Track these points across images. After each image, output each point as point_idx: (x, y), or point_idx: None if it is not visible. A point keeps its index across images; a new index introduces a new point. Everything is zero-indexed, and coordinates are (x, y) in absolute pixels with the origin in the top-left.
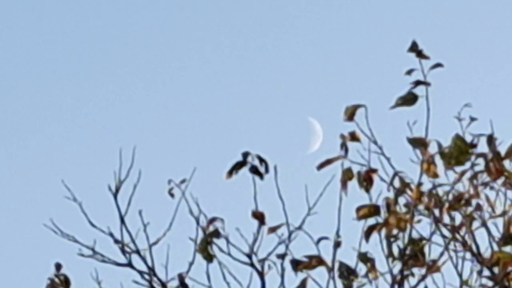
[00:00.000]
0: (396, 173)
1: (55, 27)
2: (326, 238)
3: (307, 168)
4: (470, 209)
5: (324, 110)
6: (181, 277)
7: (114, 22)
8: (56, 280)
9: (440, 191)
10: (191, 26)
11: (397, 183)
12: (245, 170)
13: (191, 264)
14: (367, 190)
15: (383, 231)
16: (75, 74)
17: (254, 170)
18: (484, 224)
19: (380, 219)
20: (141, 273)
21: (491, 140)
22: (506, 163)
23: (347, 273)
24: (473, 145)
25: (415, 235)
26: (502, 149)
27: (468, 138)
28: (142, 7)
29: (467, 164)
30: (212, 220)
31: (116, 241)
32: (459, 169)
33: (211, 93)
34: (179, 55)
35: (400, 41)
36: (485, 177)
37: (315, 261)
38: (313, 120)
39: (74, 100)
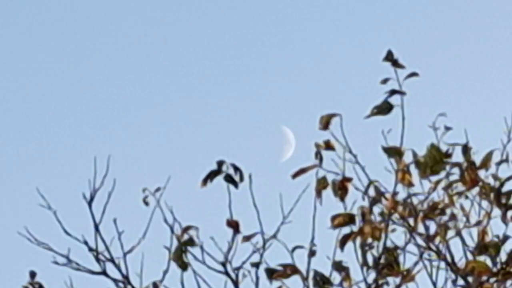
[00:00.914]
0: (371, 182)
1: (30, 37)
2: (300, 247)
3: (280, 177)
4: (444, 218)
5: (297, 118)
6: (155, 286)
7: (88, 35)
8: None
9: (415, 200)
10: (164, 36)
11: (372, 192)
12: (219, 179)
13: (165, 272)
14: (342, 199)
15: (358, 240)
16: (50, 82)
17: (229, 179)
18: (458, 234)
19: (355, 228)
20: (115, 281)
21: (466, 149)
22: (481, 172)
23: (322, 281)
24: (448, 155)
25: (389, 244)
26: (477, 159)
27: (443, 148)
28: (115, 23)
29: (442, 173)
30: (186, 229)
31: (90, 249)
32: (434, 178)
33: (185, 102)
34: (153, 65)
35: (375, 50)
36: (460, 187)
37: (290, 269)
38: (286, 129)
39: (49, 108)
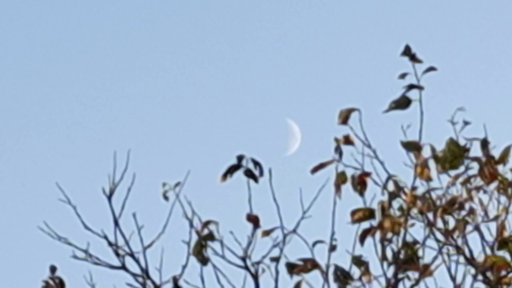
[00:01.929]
0: (389, 177)
1: (48, 32)
2: (320, 241)
3: (287, 170)
4: (463, 213)
5: (303, 112)
6: (175, 280)
7: (106, 26)
8: (51, 282)
9: (434, 195)
10: (175, 32)
11: (391, 187)
12: (239, 173)
13: (185, 267)
14: (361, 193)
15: (377, 235)
16: (69, 77)
17: (249, 174)
18: (477, 228)
19: (375, 223)
20: (135, 275)
21: (485, 144)
22: (500, 167)
23: (342, 276)
24: (466, 149)
25: (409, 239)
26: (496, 153)
27: (462, 142)
28: (127, 19)
29: (461, 168)
30: (206, 223)
31: (110, 244)
32: (453, 173)
33: (204, 97)
34: (170, 60)
35: (393, 45)
36: (478, 181)
37: (310, 264)
38: (291, 122)
39: (68, 103)
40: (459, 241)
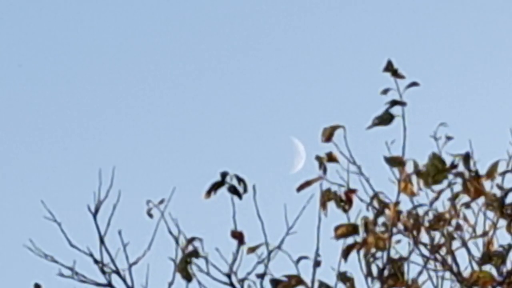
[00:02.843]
0: (375, 194)
1: (32, 52)
2: (305, 257)
3: (289, 188)
4: (450, 228)
5: (307, 130)
6: None
7: (91, 46)
8: None
9: (420, 211)
10: (169, 46)
11: (376, 203)
12: (223, 190)
13: (170, 284)
14: (345, 210)
15: (362, 251)
16: (55, 93)
17: (233, 190)
18: (464, 244)
19: (359, 238)
20: None
21: (467, 159)
22: (487, 183)
23: None
24: (454, 166)
25: (394, 254)
26: (481, 169)
27: (445, 157)
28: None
29: (444, 183)
30: (191, 240)
31: (95, 261)
32: (436, 188)
33: (191, 113)
34: (157, 75)
35: (375, 61)
36: (465, 197)
37: (295, 280)
38: (296, 140)
39: (53, 119)
40: (446, 257)
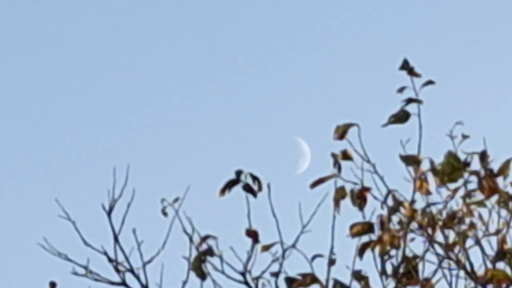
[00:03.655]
0: (389, 192)
1: (40, 48)
2: (320, 255)
3: (296, 188)
4: (463, 227)
5: (312, 130)
6: None
7: (105, 45)
8: None
9: (434, 209)
10: (181, 49)
11: (390, 201)
12: (238, 188)
13: (185, 282)
14: (361, 208)
15: (377, 249)
16: (69, 92)
17: (247, 188)
18: (478, 242)
19: (374, 237)
20: None
21: (484, 157)
22: (500, 181)
23: None
24: (467, 163)
25: (408, 253)
26: (495, 167)
27: (461, 156)
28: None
29: (460, 181)
30: (205, 238)
31: (110, 260)
32: (452, 186)
33: (203, 112)
34: (170, 74)
35: (391, 59)
36: (478, 195)
37: (309, 279)
38: (301, 141)
39: (67, 119)
40: (460, 255)
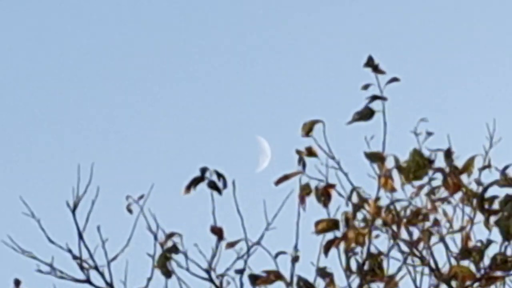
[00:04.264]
0: (354, 189)
1: (23, 50)
2: (284, 252)
3: (260, 186)
4: (428, 224)
5: (275, 127)
6: None
7: (73, 44)
8: None
9: (398, 206)
10: (149, 46)
11: (355, 198)
12: (203, 186)
13: (149, 279)
14: (325, 205)
15: (342, 246)
16: (34, 89)
17: (212, 186)
18: (442, 239)
19: (339, 234)
20: None
21: (448, 154)
22: (464, 178)
23: (306, 287)
24: (431, 161)
25: (373, 250)
26: (460, 164)
27: (425, 153)
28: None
29: (425, 179)
30: (170, 236)
31: (74, 257)
32: (417, 183)
33: (167, 111)
34: (132, 73)
35: (356, 56)
36: (442, 192)
37: (274, 276)
38: (261, 139)
39: (31, 116)
40: (424, 252)
